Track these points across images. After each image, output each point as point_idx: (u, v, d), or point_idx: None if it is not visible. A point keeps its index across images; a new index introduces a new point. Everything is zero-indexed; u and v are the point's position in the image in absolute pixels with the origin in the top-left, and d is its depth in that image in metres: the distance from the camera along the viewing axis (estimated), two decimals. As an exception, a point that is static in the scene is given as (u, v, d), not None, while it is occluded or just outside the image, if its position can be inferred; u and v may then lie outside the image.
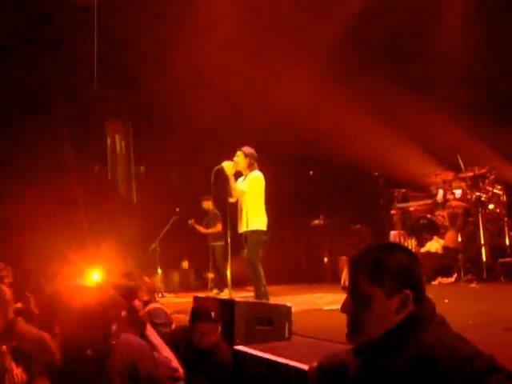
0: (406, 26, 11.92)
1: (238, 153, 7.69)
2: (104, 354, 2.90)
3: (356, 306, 1.98)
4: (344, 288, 2.07)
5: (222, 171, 7.56)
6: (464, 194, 10.43)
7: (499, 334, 4.38)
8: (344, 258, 11.08)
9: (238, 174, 7.79)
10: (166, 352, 3.85)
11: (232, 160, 7.64)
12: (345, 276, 2.25)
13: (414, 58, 12.19)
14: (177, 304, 8.87)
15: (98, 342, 2.88)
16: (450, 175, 10.88)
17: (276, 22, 12.14)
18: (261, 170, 7.73)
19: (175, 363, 3.75)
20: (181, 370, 3.73)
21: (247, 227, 7.49)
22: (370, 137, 12.42)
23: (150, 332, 4.00)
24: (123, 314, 3.08)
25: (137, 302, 4.13)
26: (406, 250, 2.11)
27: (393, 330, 1.91)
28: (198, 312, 4.47)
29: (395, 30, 12.03)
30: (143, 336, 3.80)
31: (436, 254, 10.46)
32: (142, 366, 3.00)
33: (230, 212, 7.72)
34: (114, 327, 2.90)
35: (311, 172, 14.27)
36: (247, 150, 7.72)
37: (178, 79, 12.56)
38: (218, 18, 12.28)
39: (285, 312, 5.05)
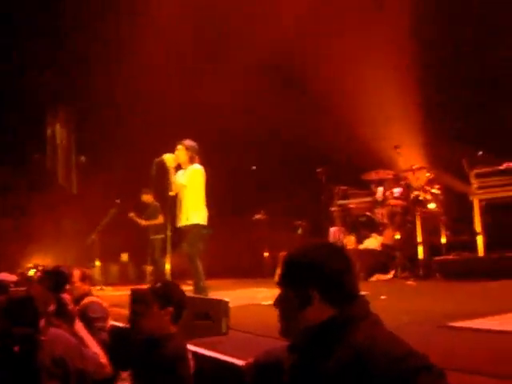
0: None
1: (179, 146, 7.60)
2: (32, 349, 2.79)
3: (288, 302, 1.98)
4: (277, 283, 2.08)
5: (162, 164, 7.45)
6: (403, 192, 10.60)
7: (434, 331, 4.44)
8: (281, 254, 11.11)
9: (179, 167, 7.70)
10: (95, 348, 3.74)
11: (173, 153, 7.55)
12: (278, 272, 2.23)
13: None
14: (115, 297, 8.72)
15: (26, 338, 2.77)
16: (389, 174, 11.04)
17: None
18: (202, 163, 7.66)
19: (104, 359, 3.65)
20: (109, 367, 3.63)
21: (187, 221, 7.41)
22: (313, 133, 12.50)
23: (79, 327, 3.88)
24: (51, 308, 2.97)
25: (66, 296, 4.01)
26: (337, 248, 2.13)
27: (326, 329, 1.90)
28: (134, 295, 4.34)
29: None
30: (72, 331, 3.68)
31: (374, 251, 10.61)
32: (70, 361, 2.91)
33: (171, 205, 7.63)
34: (41, 322, 2.80)
35: (254, 167, 14.24)
36: (188, 143, 7.63)
37: (126, 69, 12.38)
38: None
39: (222, 307, 5.01)
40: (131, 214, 12.02)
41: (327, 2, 12.07)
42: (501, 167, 8.89)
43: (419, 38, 11.14)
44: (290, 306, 1.97)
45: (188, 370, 3.54)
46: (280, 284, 2.05)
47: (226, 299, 5.20)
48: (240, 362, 3.56)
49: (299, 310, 1.94)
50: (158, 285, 3.80)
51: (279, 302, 2.03)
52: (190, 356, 3.65)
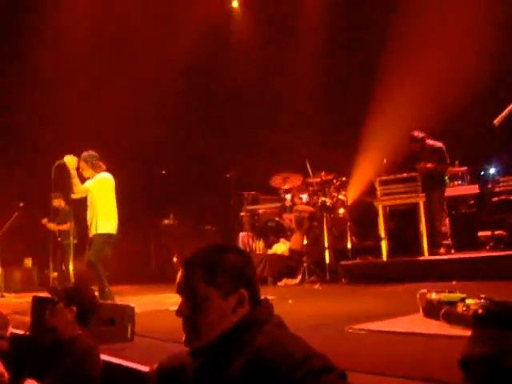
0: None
1: (81, 164, 7.40)
2: None
3: (192, 309, 1.92)
4: (178, 291, 2.02)
5: (64, 166, 7.24)
6: (310, 198, 10.80)
7: (338, 334, 4.52)
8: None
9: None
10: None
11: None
12: (179, 279, 2.16)
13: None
14: (17, 304, 8.39)
15: None
16: (298, 180, 11.21)
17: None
18: (111, 168, 7.51)
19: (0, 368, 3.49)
20: (6, 375, 3.47)
21: (96, 230, 7.25)
22: (223, 139, 12.56)
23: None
24: None
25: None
26: (238, 250, 2.10)
27: (227, 333, 1.88)
28: (37, 298, 4.17)
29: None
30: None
31: (282, 256, 10.74)
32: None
33: (77, 209, 7.44)
34: None
35: (163, 171, 14.12)
36: (87, 155, 7.45)
37: (30, 74, 12.02)
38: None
39: (127, 312, 4.90)
40: (44, 221, 11.59)
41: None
42: (403, 175, 9.23)
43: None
44: (208, 310, 1.91)
45: (96, 370, 3.45)
46: (185, 291, 1.97)
47: (132, 305, 5.09)
48: (145, 368, 3.49)
49: (222, 314, 1.89)
50: (67, 285, 3.72)
51: (189, 308, 1.94)
52: (99, 356, 3.57)
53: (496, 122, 4.47)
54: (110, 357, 4.16)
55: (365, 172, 10.69)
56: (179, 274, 2.00)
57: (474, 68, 9.56)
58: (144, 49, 12.28)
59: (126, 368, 3.90)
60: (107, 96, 12.20)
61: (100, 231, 7.29)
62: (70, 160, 7.27)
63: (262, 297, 2.00)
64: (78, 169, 7.34)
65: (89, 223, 7.41)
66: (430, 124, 9.79)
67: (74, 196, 7.42)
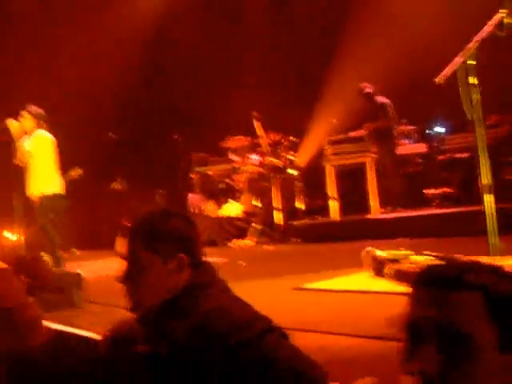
0: None
1: (25, 114, 7.13)
2: None
3: (133, 275, 1.94)
4: (123, 256, 2.01)
5: (5, 130, 7.00)
6: (260, 159, 10.77)
7: (287, 293, 4.58)
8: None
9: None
10: None
11: (18, 120, 7.09)
12: (121, 242, 2.14)
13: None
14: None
15: None
16: (247, 141, 11.15)
17: None
18: (57, 130, 7.30)
19: None
20: None
21: (39, 191, 7.05)
22: (171, 99, 12.38)
23: None
24: None
25: None
26: (180, 215, 2.10)
27: (170, 298, 1.88)
28: None
29: None
30: None
31: (232, 217, 10.74)
32: None
33: (17, 174, 7.21)
34: None
35: (111, 134, 13.84)
36: (35, 110, 7.16)
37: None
38: None
39: (75, 279, 4.84)
40: None
41: None
42: (351, 134, 9.29)
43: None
44: (149, 275, 1.91)
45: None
46: (127, 256, 1.97)
47: (79, 271, 5.03)
48: (95, 336, 3.46)
49: (163, 278, 1.89)
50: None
51: (132, 272, 1.95)
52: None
53: (438, 79, 4.49)
54: (58, 324, 4.11)
55: (318, 134, 10.66)
56: (121, 237, 1.99)
57: (424, 27, 9.61)
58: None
59: (76, 335, 3.86)
60: (55, 62, 11.86)
61: (43, 191, 7.07)
62: (12, 123, 7.03)
63: (204, 259, 2.00)
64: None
65: (28, 185, 7.18)
66: (379, 82, 9.82)
67: (16, 161, 7.18)
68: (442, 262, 1.67)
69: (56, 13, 12.05)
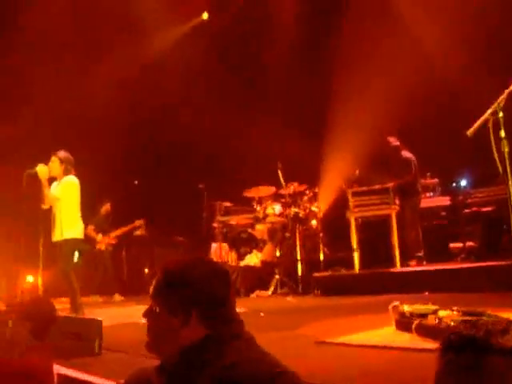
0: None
1: (53, 158, 7.28)
2: None
3: (158, 318, 1.94)
4: (151, 296, 2.10)
5: (35, 176, 7.10)
6: (283, 209, 10.76)
7: (310, 347, 4.47)
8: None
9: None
10: None
11: (47, 165, 7.21)
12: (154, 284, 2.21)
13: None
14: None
15: None
16: (270, 191, 11.17)
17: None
18: (81, 175, 7.40)
19: None
20: None
21: (61, 236, 7.10)
22: (196, 149, 12.48)
23: None
24: None
25: None
26: (220, 268, 2.04)
27: (196, 349, 1.83)
28: None
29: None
30: None
31: (254, 267, 10.68)
32: None
33: (44, 219, 7.28)
34: None
35: (136, 181, 13.98)
36: (63, 154, 7.33)
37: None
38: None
39: (95, 326, 4.79)
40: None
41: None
42: (375, 187, 9.24)
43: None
44: (160, 322, 1.92)
45: None
46: (153, 298, 1.98)
47: (99, 318, 4.98)
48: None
49: (172, 329, 1.88)
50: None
51: (148, 314, 1.97)
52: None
53: (469, 132, 4.49)
54: (76, 371, 4.06)
55: (334, 181, 10.64)
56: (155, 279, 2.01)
57: (447, 76, 9.65)
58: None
59: (92, 383, 3.80)
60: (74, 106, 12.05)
61: (66, 236, 7.15)
62: (41, 169, 7.13)
63: (233, 312, 1.96)
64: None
65: (53, 229, 7.24)
66: (402, 134, 9.82)
67: (44, 207, 7.28)
68: (472, 318, 1.61)
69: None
